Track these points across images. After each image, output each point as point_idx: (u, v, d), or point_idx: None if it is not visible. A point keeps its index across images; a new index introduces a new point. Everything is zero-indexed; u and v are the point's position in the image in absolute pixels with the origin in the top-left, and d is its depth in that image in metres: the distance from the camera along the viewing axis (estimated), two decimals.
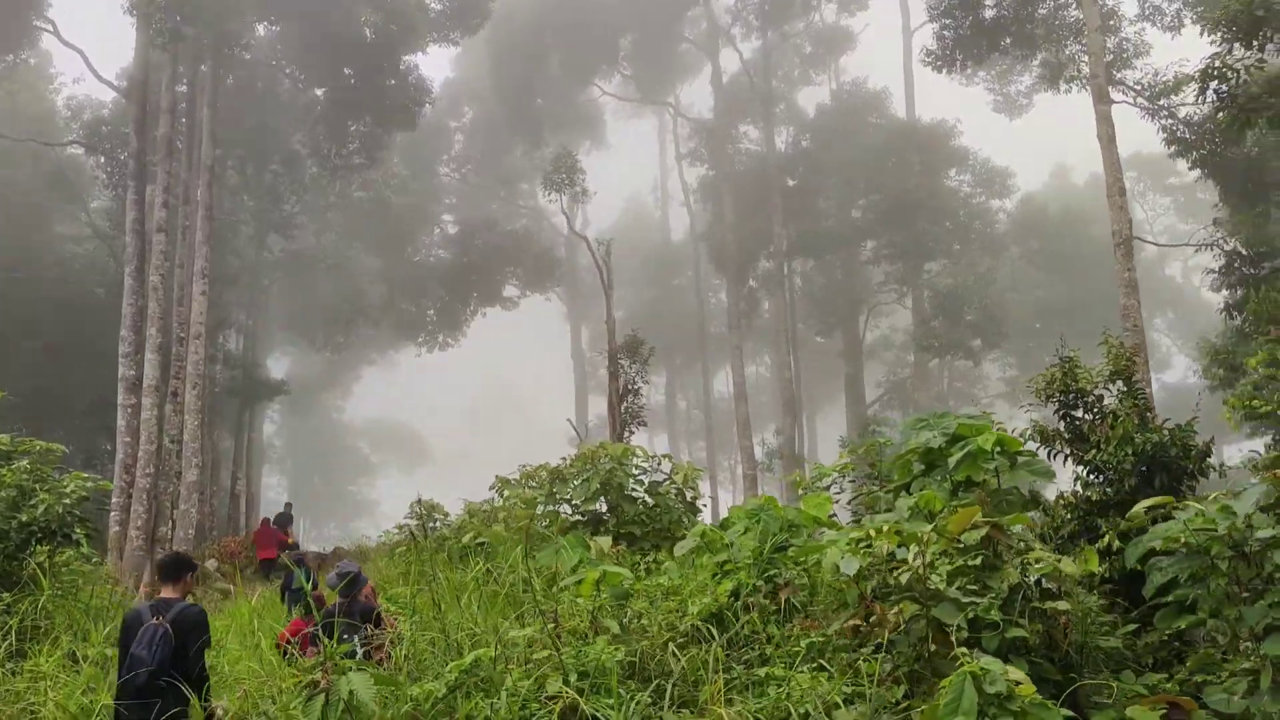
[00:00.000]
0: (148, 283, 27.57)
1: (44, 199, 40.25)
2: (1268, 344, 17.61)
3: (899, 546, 6.72)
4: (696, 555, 9.84)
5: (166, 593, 7.15)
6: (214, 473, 38.28)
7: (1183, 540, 5.61)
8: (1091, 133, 23.26)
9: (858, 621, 6.31)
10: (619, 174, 65.73)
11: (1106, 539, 10.54)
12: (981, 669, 4.58)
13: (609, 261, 31.31)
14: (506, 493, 16.52)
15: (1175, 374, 57.97)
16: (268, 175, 42.39)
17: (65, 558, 11.87)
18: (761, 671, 6.86)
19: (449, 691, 6.62)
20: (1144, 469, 11.95)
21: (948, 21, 30.40)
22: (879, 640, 6.24)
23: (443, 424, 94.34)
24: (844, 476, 12.86)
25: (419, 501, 16.62)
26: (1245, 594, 5.24)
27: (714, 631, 7.39)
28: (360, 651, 7.27)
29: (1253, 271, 22.70)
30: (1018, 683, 4.72)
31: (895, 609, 6.23)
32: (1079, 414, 13.22)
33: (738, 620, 7.73)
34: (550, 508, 15.59)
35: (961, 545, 7.08)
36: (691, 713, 6.38)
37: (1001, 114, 51.74)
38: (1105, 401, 13.02)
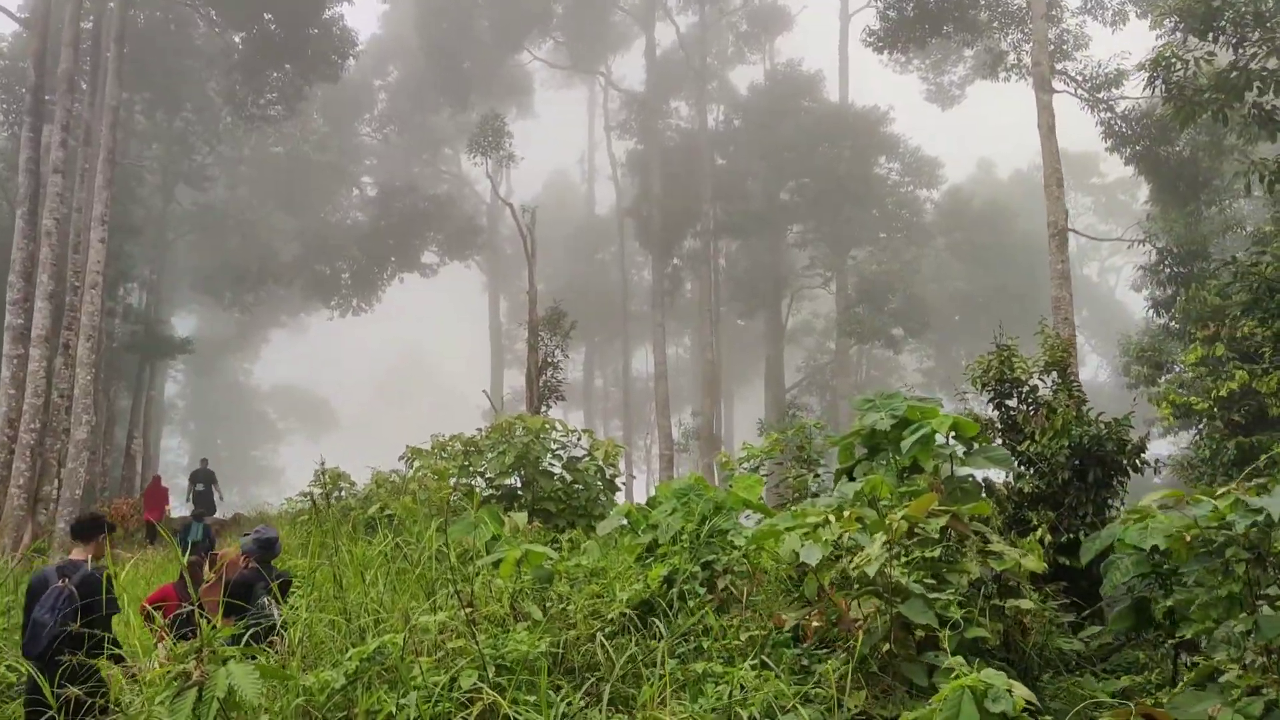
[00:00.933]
0: (41, 226, 25.80)
1: None
2: (1196, 341, 17.57)
3: (858, 532, 6.09)
4: (619, 536, 9.15)
5: (76, 554, 7.03)
6: (109, 431, 36.58)
7: (1189, 538, 5.06)
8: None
9: (819, 620, 5.64)
10: (546, 144, 64.55)
11: (1039, 533, 10.18)
12: (982, 683, 3.93)
13: (533, 230, 30.47)
14: (417, 463, 15.73)
15: (1087, 371, 59.03)
16: (179, 122, 40.71)
17: None
18: (699, 667, 6.16)
19: (348, 682, 5.79)
20: (1078, 462, 11.67)
21: (891, 1, 29.95)
22: (846, 637, 5.58)
23: (353, 392, 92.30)
24: (768, 459, 12.40)
25: (323, 468, 15.69)
26: (1260, 601, 4.71)
27: (647, 621, 6.67)
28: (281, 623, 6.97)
29: (1183, 270, 22.74)
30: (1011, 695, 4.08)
31: (855, 602, 5.60)
32: (1013, 404, 12.90)
33: (671, 609, 7.03)
34: (463, 480, 14.83)
35: (918, 535, 6.49)
36: (627, 714, 5.66)
37: (934, 104, 51.73)
38: (1039, 393, 12.73)
